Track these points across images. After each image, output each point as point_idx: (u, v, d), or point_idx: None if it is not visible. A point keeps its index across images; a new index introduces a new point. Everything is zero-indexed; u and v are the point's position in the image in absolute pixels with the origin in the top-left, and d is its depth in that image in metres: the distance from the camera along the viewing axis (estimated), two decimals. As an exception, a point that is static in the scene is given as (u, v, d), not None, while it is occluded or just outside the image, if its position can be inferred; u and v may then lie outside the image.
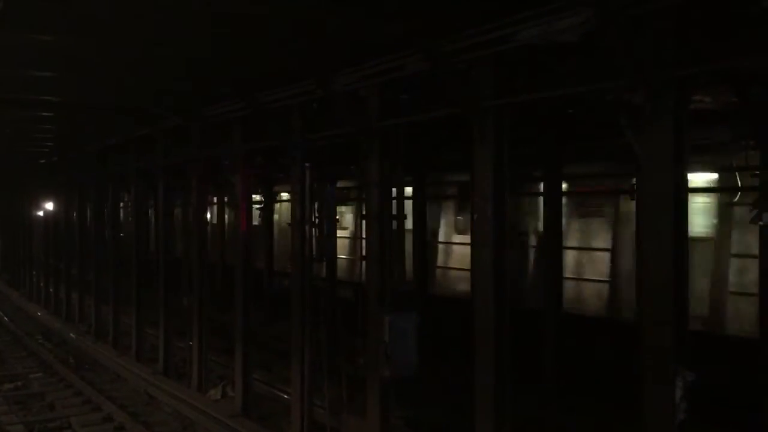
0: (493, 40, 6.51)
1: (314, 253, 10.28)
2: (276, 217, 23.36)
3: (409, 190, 15.99)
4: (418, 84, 8.18)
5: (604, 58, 5.89)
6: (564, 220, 14.07)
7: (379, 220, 8.70)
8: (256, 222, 16.95)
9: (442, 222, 19.15)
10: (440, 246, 19.14)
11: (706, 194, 12.96)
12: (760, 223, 8.17)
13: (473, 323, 7.30)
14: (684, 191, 5.68)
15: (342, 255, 20.39)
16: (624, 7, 5.49)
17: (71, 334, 19.65)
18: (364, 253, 9.19)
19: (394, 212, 8.90)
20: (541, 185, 13.96)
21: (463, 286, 16.22)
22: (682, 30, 5.41)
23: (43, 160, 22.93)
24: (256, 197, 18.64)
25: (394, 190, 8.88)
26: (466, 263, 13.90)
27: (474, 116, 7.14)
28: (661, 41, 5.47)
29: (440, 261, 19.08)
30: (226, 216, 24.63)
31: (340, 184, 14.88)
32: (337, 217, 11.38)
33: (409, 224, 12.02)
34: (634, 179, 12.13)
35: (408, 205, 12.57)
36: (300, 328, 10.24)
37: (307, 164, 10.24)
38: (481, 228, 7.20)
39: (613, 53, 5.69)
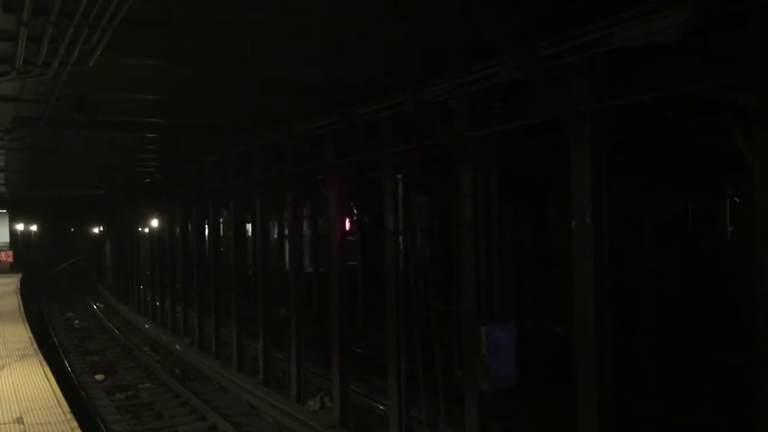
0: (588, 43, 6.36)
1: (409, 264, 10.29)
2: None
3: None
4: (509, 91, 8.08)
5: (707, 57, 5.64)
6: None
7: (474, 230, 8.63)
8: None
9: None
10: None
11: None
12: None
13: (573, 335, 7.12)
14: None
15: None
16: (727, 3, 5.24)
17: (176, 346, 20.46)
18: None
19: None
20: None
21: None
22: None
23: (148, 179, 24.10)
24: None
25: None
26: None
27: (569, 122, 6.98)
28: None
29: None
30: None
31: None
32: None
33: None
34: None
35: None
36: (396, 340, 10.26)
37: (399, 176, 10.30)
38: (580, 236, 7.01)
39: (717, 51, 5.44)
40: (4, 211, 34.60)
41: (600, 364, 6.85)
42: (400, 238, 10.27)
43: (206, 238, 20.27)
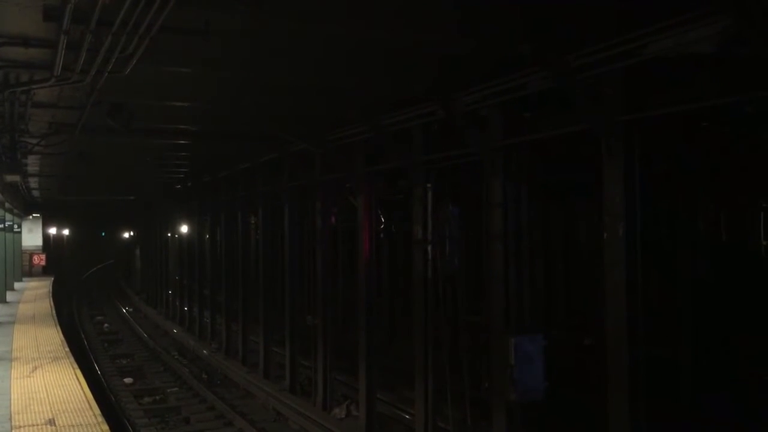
0: (622, 53, 6.31)
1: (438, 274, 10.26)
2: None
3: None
4: (541, 101, 8.05)
5: (745, 66, 5.56)
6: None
7: (503, 241, 8.58)
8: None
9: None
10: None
11: None
12: None
13: (604, 347, 7.04)
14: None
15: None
16: None
17: (204, 351, 20.60)
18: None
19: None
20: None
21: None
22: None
23: (179, 185, 24.35)
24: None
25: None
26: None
27: (602, 132, 6.93)
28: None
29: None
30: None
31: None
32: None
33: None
34: None
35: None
36: (423, 350, 10.22)
37: (428, 185, 10.29)
38: (612, 247, 6.94)
39: (758, 61, 5.36)
40: (38, 215, 35.19)
41: (632, 377, 6.76)
42: (429, 248, 10.25)
43: (235, 245, 20.38)
